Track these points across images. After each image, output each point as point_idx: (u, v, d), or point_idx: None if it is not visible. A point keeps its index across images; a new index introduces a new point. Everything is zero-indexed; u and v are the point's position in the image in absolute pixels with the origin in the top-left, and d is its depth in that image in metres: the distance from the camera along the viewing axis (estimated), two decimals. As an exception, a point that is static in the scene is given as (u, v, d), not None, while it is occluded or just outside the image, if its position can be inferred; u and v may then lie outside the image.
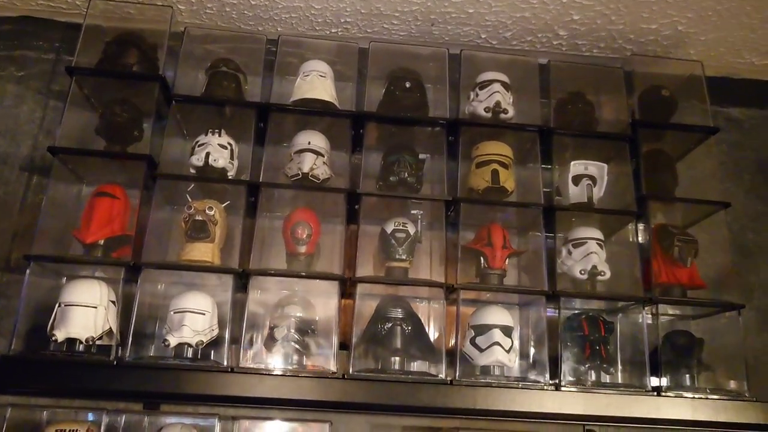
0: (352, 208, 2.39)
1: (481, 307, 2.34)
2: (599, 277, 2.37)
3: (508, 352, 2.24)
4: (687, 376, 2.34)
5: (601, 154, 2.59)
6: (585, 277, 2.37)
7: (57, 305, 2.16)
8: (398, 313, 2.25)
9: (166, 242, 2.47)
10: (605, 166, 2.52)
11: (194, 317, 2.19)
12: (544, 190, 2.50)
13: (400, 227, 2.37)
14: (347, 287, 2.28)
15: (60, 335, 2.08)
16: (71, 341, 2.11)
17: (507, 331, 2.28)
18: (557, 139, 2.54)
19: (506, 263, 2.39)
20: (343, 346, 2.26)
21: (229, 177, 2.42)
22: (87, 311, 2.14)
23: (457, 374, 2.15)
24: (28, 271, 2.15)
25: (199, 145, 2.40)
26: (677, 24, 2.64)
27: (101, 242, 2.27)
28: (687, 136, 2.67)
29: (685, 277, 2.44)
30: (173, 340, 2.13)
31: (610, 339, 2.34)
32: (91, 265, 2.25)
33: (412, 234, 2.38)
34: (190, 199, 2.36)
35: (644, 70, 2.69)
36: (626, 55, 2.85)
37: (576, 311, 2.45)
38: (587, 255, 2.38)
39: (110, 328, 2.17)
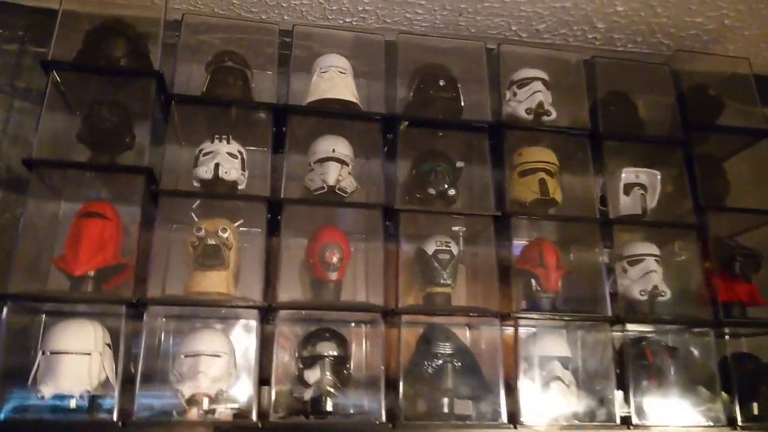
0: (383, 224, 2.07)
1: (535, 335, 2.07)
2: (660, 298, 2.14)
3: (568, 386, 1.98)
4: (755, 405, 2.14)
5: (646, 160, 2.36)
6: (645, 298, 2.13)
7: (40, 353, 1.76)
8: (447, 347, 1.96)
9: (164, 269, 2.09)
10: (658, 173, 2.28)
11: (210, 362, 1.83)
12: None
13: (443, 247, 2.07)
14: (387, 318, 1.97)
15: (47, 391, 1.70)
16: (61, 397, 1.72)
17: (566, 362, 2.03)
18: (605, 144, 2.28)
19: (559, 285, 2.13)
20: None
21: (240, 190, 2.06)
22: (79, 360, 1.76)
23: (522, 416, 1.87)
24: (4, 313, 1.74)
25: (204, 154, 2.03)
26: (724, 17, 2.43)
27: (91, 273, 1.88)
28: (734, 139, 2.46)
29: (745, 294, 2.24)
30: (188, 391, 1.78)
31: (676, 366, 2.11)
32: (86, 303, 1.85)
33: (456, 254, 2.08)
34: (195, 219, 2.00)
35: (688, 67, 2.47)
36: (661, 51, 2.63)
37: (629, 334, 2.20)
38: (647, 274, 2.15)
39: (107, 377, 1.79)
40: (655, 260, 2.19)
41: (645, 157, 2.36)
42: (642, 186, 2.27)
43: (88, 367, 1.76)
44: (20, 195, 2.13)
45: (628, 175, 2.27)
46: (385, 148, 2.16)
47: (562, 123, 2.31)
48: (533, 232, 2.23)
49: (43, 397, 1.69)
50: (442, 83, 2.22)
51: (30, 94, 2.25)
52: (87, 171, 1.96)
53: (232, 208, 2.06)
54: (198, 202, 2.01)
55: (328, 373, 1.88)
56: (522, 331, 2.07)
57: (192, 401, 1.80)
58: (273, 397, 1.81)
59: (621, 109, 2.40)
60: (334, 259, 1.98)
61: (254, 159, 2.08)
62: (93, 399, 1.77)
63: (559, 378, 1.97)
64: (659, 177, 2.28)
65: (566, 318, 2.08)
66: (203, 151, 2.04)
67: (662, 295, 2.14)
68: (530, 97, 2.26)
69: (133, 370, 1.78)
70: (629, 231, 2.25)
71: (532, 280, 2.12)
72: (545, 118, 2.26)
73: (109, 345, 1.85)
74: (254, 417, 1.78)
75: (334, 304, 1.95)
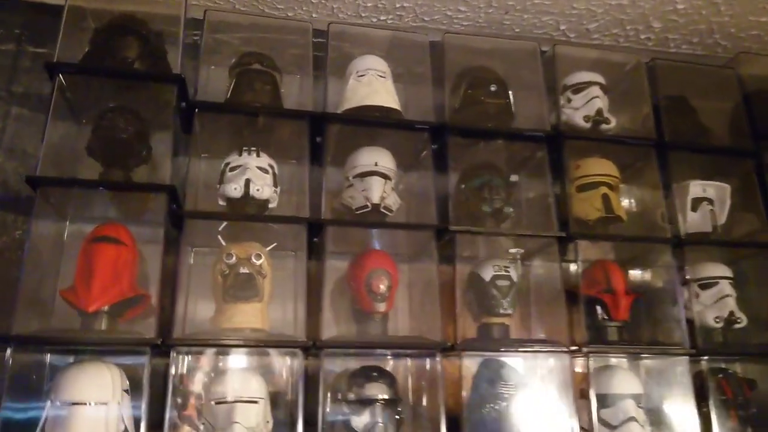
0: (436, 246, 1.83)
1: (604, 370, 1.86)
2: (736, 325, 1.94)
3: (643, 427, 1.77)
4: None
5: (710, 171, 2.15)
6: (721, 325, 1.93)
7: (48, 402, 1.51)
8: (509, 387, 1.73)
9: (185, 299, 1.84)
10: (727, 187, 2.08)
11: (246, 409, 1.59)
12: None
13: (502, 272, 1.85)
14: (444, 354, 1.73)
15: (57, 451, 1.45)
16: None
17: (639, 400, 1.81)
18: (671, 155, 2.07)
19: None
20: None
21: (270, 209, 1.82)
22: (96, 411, 1.51)
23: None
24: (9, 355, 1.48)
25: (231, 169, 1.79)
26: (791, 16, 2.24)
27: (105, 308, 1.62)
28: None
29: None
30: (222, 445, 1.53)
31: (759, 401, 1.90)
32: (104, 346, 1.59)
33: (515, 280, 1.86)
34: (223, 243, 1.76)
35: (753, 70, 2.27)
36: (716, 53, 2.43)
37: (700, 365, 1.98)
38: (721, 299, 1.95)
39: (125, 429, 1.54)
40: (729, 283, 1.99)
41: (709, 168, 2.16)
42: (710, 201, 2.07)
43: (106, 420, 1.51)
44: (18, 215, 1.89)
45: (695, 188, 2.07)
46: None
47: (617, 131, 2.10)
48: (593, 252, 2.00)
49: (53, 458, 1.44)
50: (493, 88, 2.00)
51: (28, 99, 1.99)
52: (103, 190, 1.68)
53: (259, 229, 1.82)
54: (225, 223, 1.76)
55: (380, 420, 1.64)
56: (579, 363, 1.85)
57: (227, 455, 1.55)
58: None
59: (683, 116, 2.19)
60: (382, 288, 1.74)
61: (281, 173, 1.83)
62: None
63: (634, 419, 1.75)
64: (729, 191, 2.08)
65: (642, 351, 1.86)
66: (230, 166, 1.80)
67: (738, 322, 1.94)
68: (588, 103, 2.05)
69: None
70: (696, 251, 2.04)
71: (597, 308, 1.90)
72: (604, 126, 2.05)
73: (126, 391, 1.60)
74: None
75: (389, 342, 1.72)
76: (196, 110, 1.78)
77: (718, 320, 1.93)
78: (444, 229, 1.78)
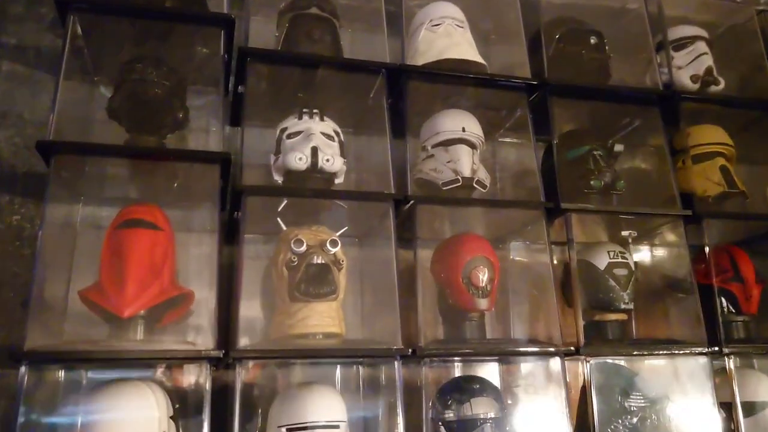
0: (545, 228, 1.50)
1: (744, 375, 1.56)
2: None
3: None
4: None
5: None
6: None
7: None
8: (640, 399, 1.42)
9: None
10: None
11: (326, 437, 1.24)
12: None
13: (619, 259, 1.54)
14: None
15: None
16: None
17: (778, 408, 1.52)
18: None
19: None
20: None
21: (336, 185, 1.47)
22: (139, 447, 1.15)
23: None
24: (24, 373, 1.10)
25: (289, 136, 1.43)
26: None
27: (142, 312, 1.26)
28: None
29: None
30: (300, 484, 1.19)
31: None
32: (149, 361, 1.22)
33: (633, 268, 1.55)
34: (284, 227, 1.40)
35: None
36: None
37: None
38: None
39: (176, 467, 1.19)
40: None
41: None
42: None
43: (151, 460, 1.15)
44: (14, 196, 1.51)
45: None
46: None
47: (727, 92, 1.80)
48: (715, 235, 1.70)
49: None
50: (593, 41, 1.68)
51: (23, 53, 1.60)
52: (139, 159, 1.31)
53: (314, 211, 1.47)
54: (285, 202, 1.40)
55: (492, 445, 1.32)
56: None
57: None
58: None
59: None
60: (484, 280, 1.41)
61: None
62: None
63: (778, 431, 1.46)
64: None
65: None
66: (288, 132, 1.44)
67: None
68: (695, 61, 1.77)
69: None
70: None
71: (722, 299, 1.60)
72: (713, 88, 1.75)
73: (173, 418, 1.23)
74: None
75: (505, 349, 1.38)
76: (248, 60, 1.40)
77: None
78: (554, 208, 1.45)
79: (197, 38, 1.44)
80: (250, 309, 1.48)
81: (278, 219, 1.41)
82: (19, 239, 1.47)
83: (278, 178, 1.44)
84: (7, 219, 1.48)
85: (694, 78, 1.74)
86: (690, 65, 1.76)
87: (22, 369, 1.08)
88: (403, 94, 1.49)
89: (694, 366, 1.47)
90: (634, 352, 1.45)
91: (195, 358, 1.18)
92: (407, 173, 1.43)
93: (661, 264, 1.67)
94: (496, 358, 1.49)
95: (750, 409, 1.50)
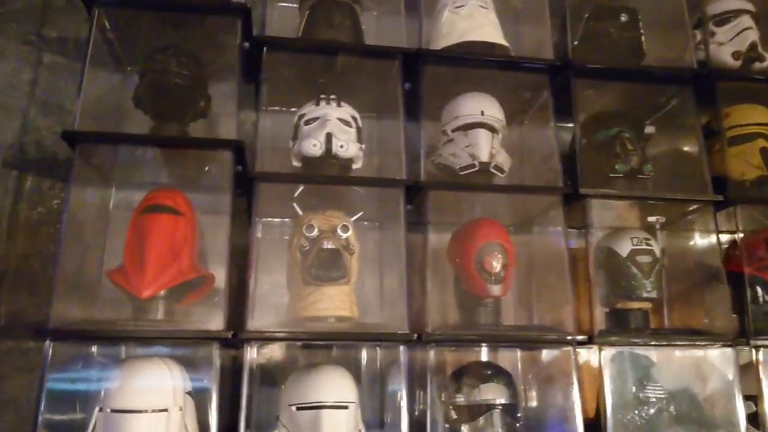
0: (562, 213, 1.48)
1: None
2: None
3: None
4: None
5: None
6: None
7: (97, 409, 1.22)
8: (659, 389, 1.39)
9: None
10: None
11: (334, 416, 1.28)
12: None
13: (643, 245, 1.49)
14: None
15: (106, 471, 1.16)
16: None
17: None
18: None
19: (795, 295, 1.54)
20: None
21: (354, 171, 1.49)
22: (153, 421, 1.22)
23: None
24: (48, 350, 1.19)
25: (307, 122, 1.46)
26: None
27: (162, 293, 1.32)
28: None
29: None
30: (306, 459, 1.23)
31: None
32: (162, 339, 1.29)
33: (658, 255, 1.50)
34: (300, 212, 1.43)
35: None
36: None
37: None
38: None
39: (192, 441, 1.26)
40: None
41: None
42: None
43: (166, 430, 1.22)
44: (56, 181, 1.60)
45: None
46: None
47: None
48: (752, 221, 1.62)
49: (103, 478, 1.16)
50: (624, 18, 1.62)
51: (64, 45, 1.69)
52: (156, 147, 1.37)
53: (338, 196, 1.49)
54: (301, 188, 1.43)
55: (498, 429, 1.32)
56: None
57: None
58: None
59: None
60: (497, 266, 1.40)
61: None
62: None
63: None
64: None
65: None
66: (305, 118, 1.47)
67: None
68: (738, 36, 1.68)
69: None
70: None
71: (758, 289, 1.53)
72: (758, 64, 1.66)
73: (190, 393, 1.30)
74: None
75: (513, 335, 1.38)
76: (265, 49, 1.43)
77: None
78: (573, 193, 1.42)
79: (220, 27, 1.48)
80: (276, 293, 1.52)
81: (294, 204, 1.44)
82: (60, 222, 1.58)
83: (297, 164, 1.47)
84: (48, 203, 1.59)
85: (735, 55, 1.65)
86: (732, 41, 1.67)
87: (46, 344, 1.17)
88: (419, 79, 1.48)
89: (719, 357, 1.42)
90: (652, 342, 1.40)
91: (204, 338, 1.23)
92: (421, 158, 1.43)
93: (691, 251, 1.60)
94: (516, 344, 1.48)
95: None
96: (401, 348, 1.29)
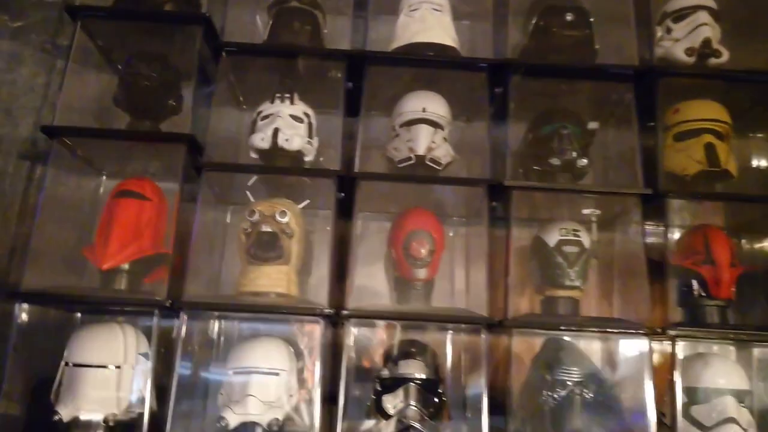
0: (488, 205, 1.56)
1: (699, 359, 1.52)
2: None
3: (746, 431, 1.42)
4: None
5: None
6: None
7: (63, 363, 1.44)
8: (574, 374, 1.45)
9: (218, 260, 1.72)
10: None
11: (264, 381, 1.44)
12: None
13: (570, 236, 1.55)
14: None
15: (65, 413, 1.38)
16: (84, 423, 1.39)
17: (743, 397, 1.46)
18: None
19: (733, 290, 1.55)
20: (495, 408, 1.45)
21: (308, 163, 1.64)
22: (105, 376, 1.43)
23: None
24: (19, 311, 1.42)
25: (263, 118, 1.63)
26: None
27: (126, 266, 1.53)
28: None
29: None
30: (234, 419, 1.40)
31: None
32: (104, 304, 1.50)
33: (587, 247, 1.56)
34: (252, 199, 1.60)
35: None
36: None
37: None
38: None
39: (143, 396, 1.44)
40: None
41: None
42: None
43: (117, 385, 1.43)
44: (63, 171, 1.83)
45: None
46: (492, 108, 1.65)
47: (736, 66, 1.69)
48: (693, 215, 1.64)
49: (60, 420, 1.37)
50: (569, 18, 1.67)
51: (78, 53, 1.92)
52: (113, 139, 1.59)
53: (299, 185, 1.64)
54: (255, 178, 1.60)
55: (413, 402, 1.43)
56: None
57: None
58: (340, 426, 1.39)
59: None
60: (423, 252, 1.52)
61: (332, 125, 1.63)
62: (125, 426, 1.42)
63: (734, 420, 1.41)
64: None
65: (748, 337, 1.50)
66: (262, 114, 1.64)
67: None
68: (693, 32, 1.68)
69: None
70: None
71: (694, 282, 1.56)
72: (713, 60, 1.66)
73: (144, 354, 1.50)
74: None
75: (419, 313, 1.49)
76: (224, 53, 1.61)
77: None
78: (498, 185, 1.51)
79: (189, 35, 1.66)
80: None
81: (247, 192, 1.61)
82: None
83: (254, 155, 1.64)
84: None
85: (689, 51, 1.66)
86: (687, 37, 1.68)
87: (17, 306, 1.40)
88: (362, 78, 1.62)
89: (636, 347, 1.46)
90: (562, 327, 1.47)
91: (141, 303, 1.44)
92: (357, 149, 1.56)
93: (622, 244, 1.64)
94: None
95: (703, 395, 1.46)
96: (322, 321, 1.43)
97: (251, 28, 1.82)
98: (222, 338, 1.68)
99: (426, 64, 1.62)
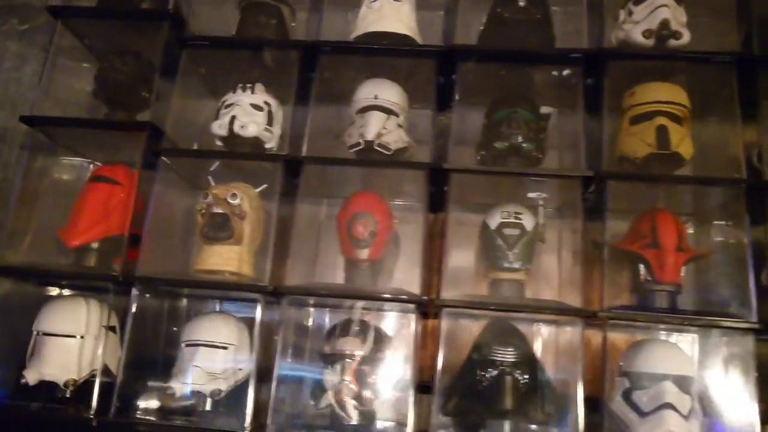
0: (439, 190, 1.59)
1: (641, 343, 1.50)
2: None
3: (686, 417, 1.39)
4: None
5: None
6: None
7: (34, 332, 1.58)
8: (508, 354, 1.46)
9: (189, 242, 1.82)
10: None
11: (211, 354, 1.54)
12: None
13: (512, 219, 1.57)
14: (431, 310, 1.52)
15: (31, 377, 1.51)
16: (50, 385, 1.52)
17: (684, 384, 1.42)
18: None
19: (681, 274, 1.52)
20: (424, 388, 1.49)
21: (268, 149, 1.72)
22: (67, 344, 1.56)
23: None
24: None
25: (225, 106, 1.72)
26: None
27: (94, 245, 1.65)
28: None
29: None
30: (180, 388, 1.49)
31: None
32: (64, 278, 1.64)
33: (529, 229, 1.56)
34: (212, 183, 1.69)
35: None
36: None
37: None
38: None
39: (106, 365, 1.56)
40: None
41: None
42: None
43: (78, 353, 1.56)
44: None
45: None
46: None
47: (705, 48, 1.65)
48: (647, 201, 1.62)
49: (26, 383, 1.50)
50: (522, 3, 1.68)
51: (75, 51, 2.08)
52: (81, 128, 1.72)
53: (259, 171, 1.72)
54: (217, 164, 1.70)
55: (348, 378, 1.49)
56: (622, 336, 1.52)
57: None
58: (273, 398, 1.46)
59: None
60: (365, 233, 1.56)
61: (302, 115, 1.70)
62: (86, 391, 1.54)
63: (671, 406, 1.38)
64: None
65: (685, 322, 1.46)
66: (225, 103, 1.73)
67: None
68: (651, 14, 1.64)
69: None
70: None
71: (640, 266, 1.54)
72: (673, 41, 1.63)
73: (111, 328, 1.62)
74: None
75: (359, 293, 1.54)
76: (185, 47, 1.72)
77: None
78: (437, 169, 1.54)
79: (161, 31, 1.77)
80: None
81: (209, 177, 1.70)
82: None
83: (218, 143, 1.74)
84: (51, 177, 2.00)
85: (646, 33, 1.63)
86: (646, 19, 1.64)
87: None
88: (314, 67, 1.68)
89: (570, 331, 1.46)
90: (491, 307, 1.48)
91: (97, 278, 1.56)
92: (305, 135, 1.63)
93: (567, 228, 1.63)
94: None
95: (643, 379, 1.44)
96: (260, 298, 1.51)
97: (231, 25, 1.90)
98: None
99: (375, 52, 1.67)
